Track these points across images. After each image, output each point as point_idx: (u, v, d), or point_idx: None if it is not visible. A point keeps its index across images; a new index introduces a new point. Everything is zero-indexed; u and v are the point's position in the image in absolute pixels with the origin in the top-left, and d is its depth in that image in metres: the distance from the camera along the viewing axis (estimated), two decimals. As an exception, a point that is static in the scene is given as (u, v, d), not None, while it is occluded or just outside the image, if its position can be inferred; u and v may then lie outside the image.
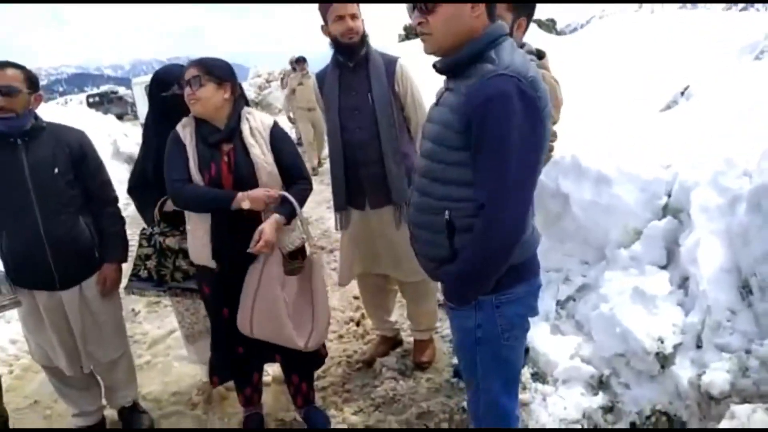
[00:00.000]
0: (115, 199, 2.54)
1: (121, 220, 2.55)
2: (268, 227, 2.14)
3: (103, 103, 25.44)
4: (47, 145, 2.27)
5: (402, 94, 2.64)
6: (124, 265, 2.57)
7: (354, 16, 2.52)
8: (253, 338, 2.29)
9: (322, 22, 2.60)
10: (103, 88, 33.02)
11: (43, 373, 3.30)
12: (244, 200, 2.11)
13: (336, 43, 2.57)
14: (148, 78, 10.94)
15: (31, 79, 2.24)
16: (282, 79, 12.28)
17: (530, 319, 2.87)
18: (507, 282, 1.58)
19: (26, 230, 2.23)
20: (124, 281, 2.59)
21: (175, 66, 2.58)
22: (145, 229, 2.57)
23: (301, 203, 2.28)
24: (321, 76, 2.75)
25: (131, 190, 2.65)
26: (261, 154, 2.21)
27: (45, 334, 2.40)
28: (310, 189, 2.37)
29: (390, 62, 2.65)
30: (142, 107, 10.14)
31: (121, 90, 30.26)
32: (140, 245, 2.57)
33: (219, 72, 2.16)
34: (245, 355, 2.40)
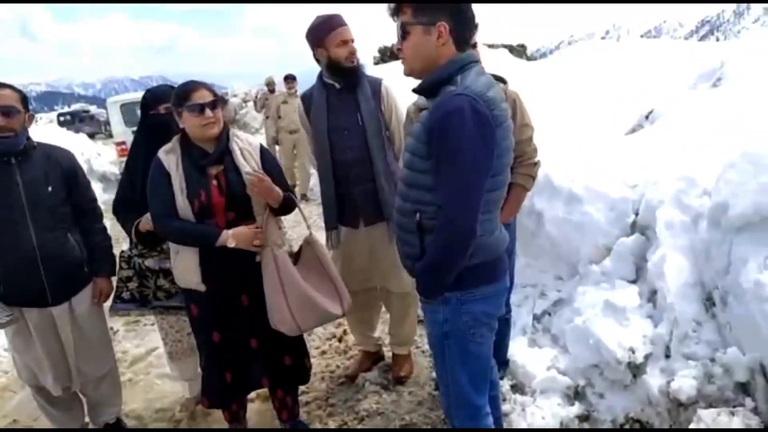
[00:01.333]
0: (102, 216, 2.58)
1: (109, 236, 2.60)
2: (271, 184, 2.19)
3: (74, 122, 24.98)
4: (40, 164, 2.32)
5: (387, 114, 2.75)
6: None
7: (353, 40, 2.63)
8: (241, 365, 2.35)
9: (315, 47, 2.65)
10: (75, 106, 32.39)
11: (21, 393, 3.28)
12: (229, 239, 2.15)
13: (336, 67, 2.63)
14: (123, 97, 10.80)
15: (24, 99, 2.30)
16: (255, 102, 11.80)
17: (512, 336, 3.00)
18: (472, 280, 1.73)
19: (20, 247, 2.25)
20: (108, 301, 2.61)
21: (165, 86, 2.65)
22: (124, 252, 2.60)
23: (290, 208, 2.36)
24: (307, 98, 2.81)
25: (116, 208, 2.64)
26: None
27: (33, 352, 2.40)
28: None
29: (375, 83, 2.75)
30: (117, 126, 10.04)
31: (93, 109, 29.79)
32: (120, 267, 2.60)
33: (220, 96, 2.25)
34: (233, 382, 2.39)
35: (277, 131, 8.47)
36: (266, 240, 2.25)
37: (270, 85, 9.93)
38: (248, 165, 2.26)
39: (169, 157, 2.21)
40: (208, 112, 2.15)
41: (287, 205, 2.34)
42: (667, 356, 2.36)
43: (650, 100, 5.03)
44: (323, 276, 2.40)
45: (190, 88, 2.18)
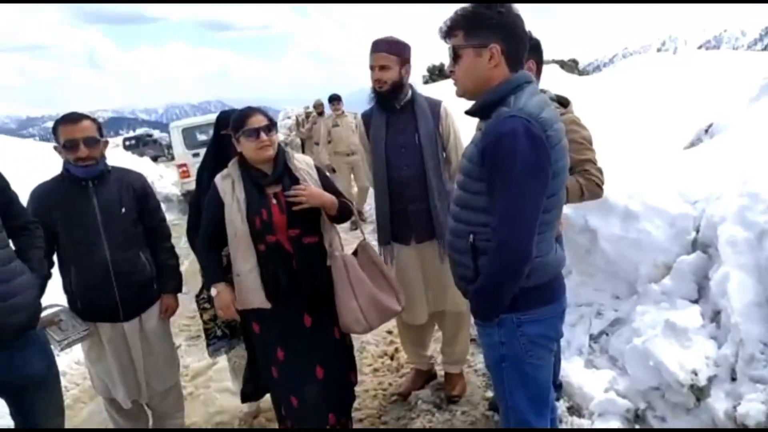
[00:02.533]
0: (170, 235, 2.72)
1: (176, 254, 2.73)
2: (316, 190, 2.31)
3: (138, 145, 26.26)
4: (113, 187, 2.48)
5: (445, 135, 2.79)
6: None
7: (383, 68, 2.67)
8: (306, 395, 2.36)
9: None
10: (139, 131, 33.94)
11: (91, 404, 3.47)
12: (214, 294, 2.33)
13: (374, 89, 2.75)
14: (184, 122, 11.33)
15: (100, 128, 2.47)
16: (298, 123, 10.95)
17: (564, 353, 2.93)
18: (528, 302, 1.71)
19: (96, 266, 2.40)
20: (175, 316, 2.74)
21: (234, 111, 2.79)
22: (201, 295, 2.72)
23: (348, 214, 2.44)
24: (368, 116, 2.90)
25: (189, 235, 2.73)
26: None
27: (105, 365, 2.54)
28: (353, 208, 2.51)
29: (434, 105, 2.80)
30: (179, 149, 10.56)
31: (156, 133, 31.16)
32: (204, 309, 2.73)
33: (274, 120, 2.35)
34: (299, 408, 2.39)
35: (330, 157, 7.90)
36: (335, 248, 2.39)
37: (318, 107, 9.67)
38: (309, 183, 2.34)
39: (225, 182, 2.31)
40: (263, 135, 2.23)
41: (344, 211, 2.42)
42: (733, 379, 2.26)
43: (710, 113, 4.86)
44: (379, 276, 2.47)
45: (245, 114, 2.28)
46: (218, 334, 2.71)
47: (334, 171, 7.63)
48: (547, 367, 1.82)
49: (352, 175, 7.60)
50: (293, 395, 2.39)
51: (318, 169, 2.47)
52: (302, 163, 2.43)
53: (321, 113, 9.52)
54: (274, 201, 2.30)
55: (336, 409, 2.47)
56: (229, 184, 2.29)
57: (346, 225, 2.50)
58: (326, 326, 2.38)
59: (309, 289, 2.32)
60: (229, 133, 2.61)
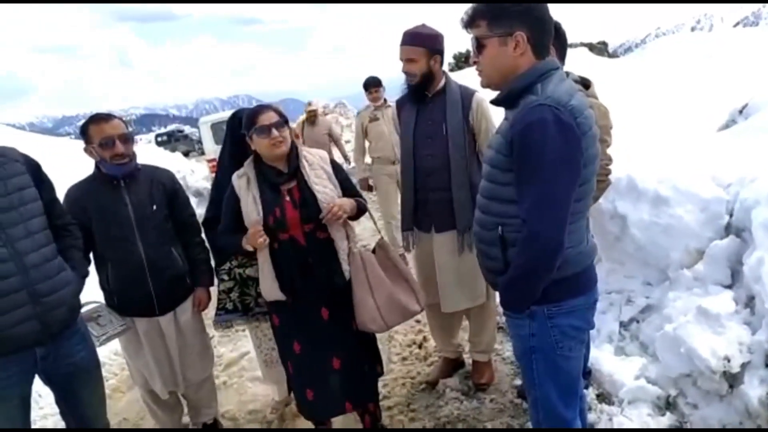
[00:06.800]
0: (200, 230, 2.77)
1: (207, 248, 2.78)
2: (341, 200, 2.30)
3: (170, 141, 26.74)
4: (144, 185, 2.53)
5: (476, 127, 2.74)
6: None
7: (409, 61, 2.66)
8: (323, 385, 2.38)
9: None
10: (170, 127, 34.47)
11: (129, 394, 3.59)
12: (244, 243, 2.28)
13: (405, 80, 2.75)
14: (213, 117, 11.44)
15: (127, 126, 2.53)
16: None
17: (594, 341, 2.90)
18: (560, 293, 1.68)
19: (131, 262, 2.47)
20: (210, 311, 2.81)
21: (243, 110, 2.82)
22: (224, 266, 2.76)
23: (363, 211, 2.45)
24: (400, 103, 2.92)
25: (205, 225, 2.77)
26: (324, 188, 2.33)
27: (143, 359, 2.62)
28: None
29: (467, 95, 2.75)
30: (208, 144, 10.73)
31: (187, 129, 31.66)
32: (221, 280, 2.76)
33: (285, 116, 2.34)
34: (315, 400, 2.43)
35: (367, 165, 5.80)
36: (354, 245, 2.41)
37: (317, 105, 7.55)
38: (319, 180, 2.34)
39: (241, 180, 2.33)
40: (275, 132, 2.23)
41: (360, 210, 2.44)
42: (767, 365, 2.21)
43: (744, 94, 4.70)
44: (398, 276, 2.48)
45: (256, 112, 2.28)
46: (228, 307, 2.73)
47: (371, 189, 5.74)
48: (577, 359, 1.80)
49: (396, 187, 5.20)
50: (309, 388, 2.41)
51: (333, 165, 2.45)
52: (315, 157, 2.42)
53: (322, 109, 7.52)
54: (287, 198, 2.30)
55: (353, 398, 2.46)
56: (244, 182, 2.32)
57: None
58: (345, 318, 2.38)
59: (325, 283, 2.33)
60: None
